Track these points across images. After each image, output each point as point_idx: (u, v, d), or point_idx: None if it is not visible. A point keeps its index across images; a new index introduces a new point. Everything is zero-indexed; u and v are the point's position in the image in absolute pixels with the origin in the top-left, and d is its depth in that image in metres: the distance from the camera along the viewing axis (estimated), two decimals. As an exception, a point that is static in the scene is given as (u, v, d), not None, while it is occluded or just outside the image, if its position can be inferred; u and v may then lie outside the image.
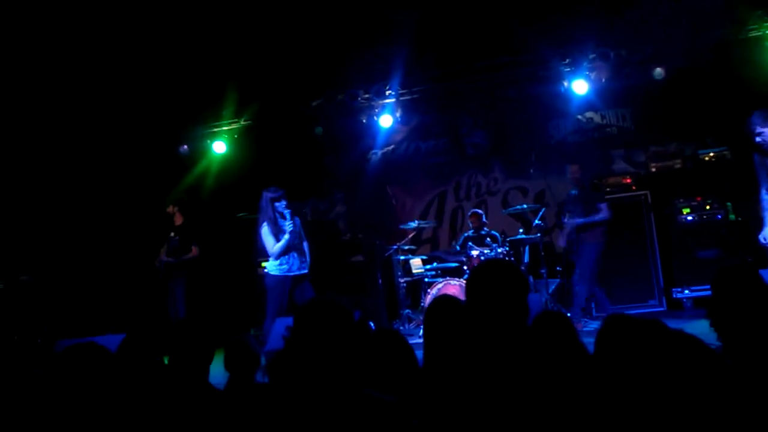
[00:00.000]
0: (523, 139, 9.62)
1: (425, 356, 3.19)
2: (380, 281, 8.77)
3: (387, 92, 8.96)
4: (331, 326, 2.08)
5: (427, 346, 3.18)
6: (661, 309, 7.40)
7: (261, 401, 2.12)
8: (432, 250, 9.70)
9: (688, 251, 7.52)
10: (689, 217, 7.59)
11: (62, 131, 8.75)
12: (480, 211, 8.62)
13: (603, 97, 9.19)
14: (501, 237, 8.22)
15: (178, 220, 7.84)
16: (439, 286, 7.52)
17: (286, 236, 6.43)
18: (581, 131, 9.69)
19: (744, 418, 1.67)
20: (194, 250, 7.74)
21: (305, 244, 6.74)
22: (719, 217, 7.50)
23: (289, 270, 6.51)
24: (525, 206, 8.23)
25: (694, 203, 7.61)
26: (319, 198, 10.53)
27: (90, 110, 8.71)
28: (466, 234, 8.45)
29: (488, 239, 8.03)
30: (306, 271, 6.65)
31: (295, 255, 6.56)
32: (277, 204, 6.53)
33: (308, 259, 6.72)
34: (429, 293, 7.49)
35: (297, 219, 6.66)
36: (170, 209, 7.88)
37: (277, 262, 6.50)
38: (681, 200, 7.65)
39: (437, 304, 3.26)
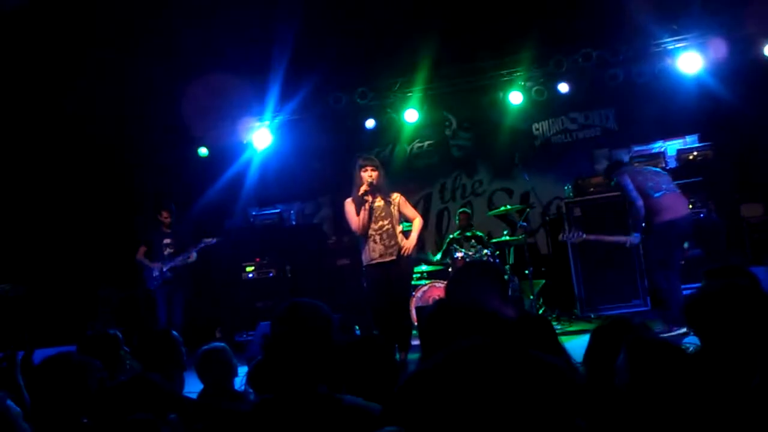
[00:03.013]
0: (508, 141, 9.63)
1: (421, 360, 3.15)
2: (366, 289, 8.72)
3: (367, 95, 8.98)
4: (309, 330, 2.02)
5: (425, 351, 3.14)
6: (646, 309, 7.41)
7: (235, 411, 2.09)
8: (418, 252, 9.69)
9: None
10: (672, 216, 7.59)
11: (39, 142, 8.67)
12: (468, 210, 8.61)
13: (586, 98, 9.23)
14: (486, 238, 8.22)
15: (166, 226, 7.67)
16: (425, 288, 7.51)
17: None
18: (565, 132, 9.72)
19: (721, 418, 1.66)
20: (193, 255, 7.56)
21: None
22: (702, 216, 7.52)
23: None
24: (509, 207, 8.23)
25: (678, 202, 7.62)
26: (304, 201, 10.50)
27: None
28: (451, 236, 8.45)
29: (473, 240, 8.02)
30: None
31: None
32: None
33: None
34: (414, 296, 7.47)
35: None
36: (165, 215, 7.67)
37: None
38: (664, 199, 7.66)
39: (437, 309, 3.22)
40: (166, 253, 7.58)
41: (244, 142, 9.58)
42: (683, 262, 6.17)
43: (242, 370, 3.72)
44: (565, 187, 8.38)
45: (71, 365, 2.61)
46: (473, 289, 2.62)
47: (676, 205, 5.86)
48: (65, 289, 8.71)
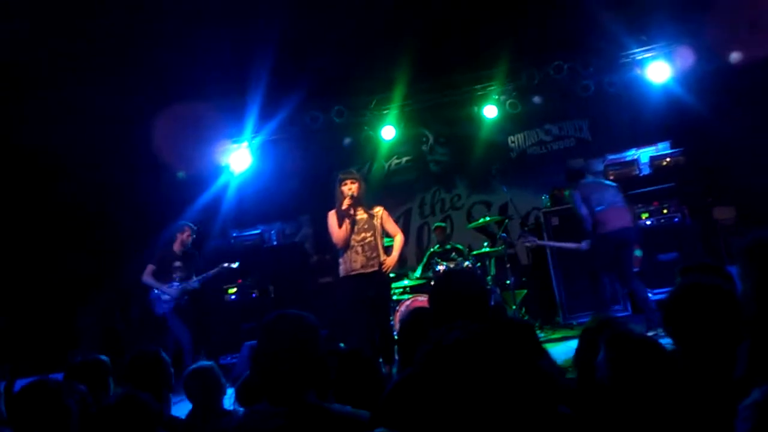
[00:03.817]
0: (484, 154, 9.75)
1: (400, 367, 3.18)
2: (343, 300, 8.73)
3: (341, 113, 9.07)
4: (295, 339, 2.05)
5: (402, 358, 3.18)
6: (627, 314, 7.50)
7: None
8: (400, 268, 9.73)
9: (648, 255, 7.66)
10: (648, 222, 7.75)
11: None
12: (444, 225, 8.68)
13: (560, 110, 9.41)
14: (466, 250, 8.29)
15: (180, 246, 7.33)
16: (407, 302, 7.54)
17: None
18: (540, 143, 9.87)
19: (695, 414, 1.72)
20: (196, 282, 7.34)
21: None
22: (676, 220, 7.67)
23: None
24: (488, 218, 8.32)
25: (652, 208, 7.78)
26: (285, 221, 10.50)
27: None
28: (431, 249, 8.50)
29: (453, 253, 8.09)
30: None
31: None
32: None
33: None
34: (398, 310, 7.50)
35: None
36: (187, 234, 7.33)
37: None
38: (639, 206, 7.80)
39: (413, 316, 3.27)
40: (175, 276, 7.22)
41: (222, 164, 9.59)
42: (637, 269, 6.73)
43: (230, 392, 3.71)
44: (543, 198, 8.50)
45: (48, 390, 2.61)
46: (455, 296, 2.67)
47: (614, 219, 6.34)
48: (45, 319, 8.60)
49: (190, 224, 7.49)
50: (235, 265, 7.52)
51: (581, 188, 6.53)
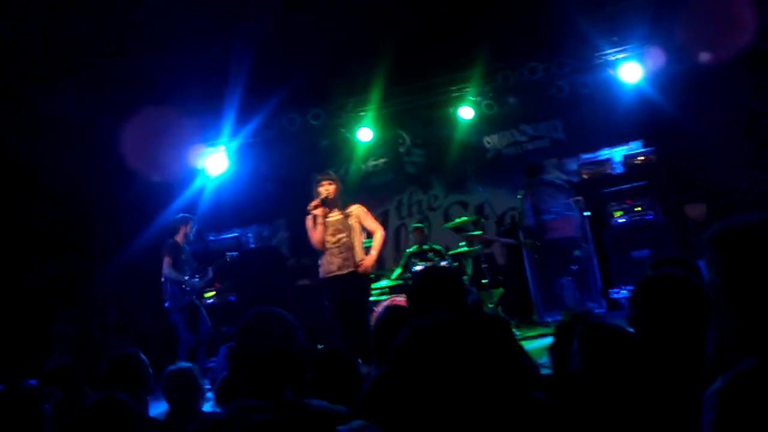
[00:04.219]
0: (460, 155, 9.82)
1: (375, 363, 3.20)
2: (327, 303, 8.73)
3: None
4: (272, 336, 2.06)
5: (377, 354, 3.20)
6: (602, 310, 7.60)
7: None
8: (378, 269, 9.75)
9: (622, 252, 7.78)
10: (621, 220, 7.86)
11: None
12: (422, 225, 8.73)
13: (535, 110, 9.50)
14: (444, 250, 8.33)
15: (183, 238, 7.20)
16: (386, 302, 7.55)
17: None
18: (516, 144, 9.95)
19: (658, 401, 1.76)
20: (210, 271, 7.33)
21: None
22: (649, 217, 7.80)
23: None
24: (465, 218, 8.38)
25: (625, 206, 7.89)
26: (261, 224, 10.48)
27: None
28: (409, 250, 8.54)
29: (431, 253, 8.13)
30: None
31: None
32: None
33: None
34: (375, 311, 7.51)
35: None
36: (188, 227, 7.22)
37: None
38: (613, 204, 7.92)
39: (388, 314, 3.30)
40: (187, 269, 7.11)
41: (198, 168, 9.53)
42: (575, 267, 7.48)
43: (209, 396, 3.70)
44: (518, 197, 8.58)
45: (22, 395, 2.60)
46: (433, 294, 2.69)
47: (557, 228, 6.92)
48: (20, 327, 8.48)
49: (193, 216, 7.37)
50: (235, 254, 7.58)
51: (533, 195, 6.95)
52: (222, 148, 9.39)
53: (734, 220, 1.60)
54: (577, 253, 7.27)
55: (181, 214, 7.42)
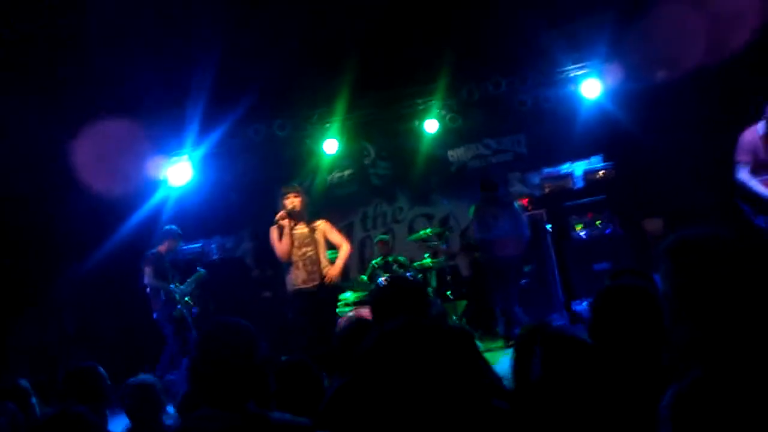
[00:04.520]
0: (425, 168, 9.89)
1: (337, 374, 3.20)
2: (291, 316, 8.69)
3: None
4: (233, 346, 2.05)
5: (339, 365, 3.20)
6: (563, 322, 7.69)
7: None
8: (343, 281, 9.73)
9: (584, 265, 7.91)
10: (582, 233, 8.01)
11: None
12: (386, 238, 8.76)
13: (498, 124, 9.64)
14: (408, 262, 8.37)
15: (167, 250, 7.25)
16: (350, 315, 7.54)
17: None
18: (480, 157, 10.07)
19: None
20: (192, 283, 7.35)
21: None
22: (608, 231, 7.96)
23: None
24: (429, 231, 8.43)
25: (586, 219, 8.04)
26: (225, 235, 10.37)
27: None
28: (374, 262, 8.55)
29: (396, 265, 8.16)
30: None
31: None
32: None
33: None
34: (340, 323, 7.49)
35: None
36: (175, 239, 7.31)
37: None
38: (574, 217, 8.07)
39: (352, 325, 3.31)
40: (171, 278, 7.12)
41: (160, 178, 9.40)
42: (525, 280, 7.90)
43: (169, 410, 3.64)
44: (470, 212, 8.65)
45: None
46: (397, 303, 2.72)
47: (496, 248, 7.12)
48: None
49: (178, 230, 7.39)
50: (203, 271, 7.63)
51: (480, 215, 7.24)
52: (185, 157, 9.29)
53: (687, 232, 1.66)
54: (526, 269, 7.73)
55: (172, 227, 7.46)
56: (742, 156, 5.69)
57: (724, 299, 1.46)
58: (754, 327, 1.45)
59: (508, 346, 6.57)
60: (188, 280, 7.42)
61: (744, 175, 5.66)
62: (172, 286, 7.07)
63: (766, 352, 1.40)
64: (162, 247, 7.21)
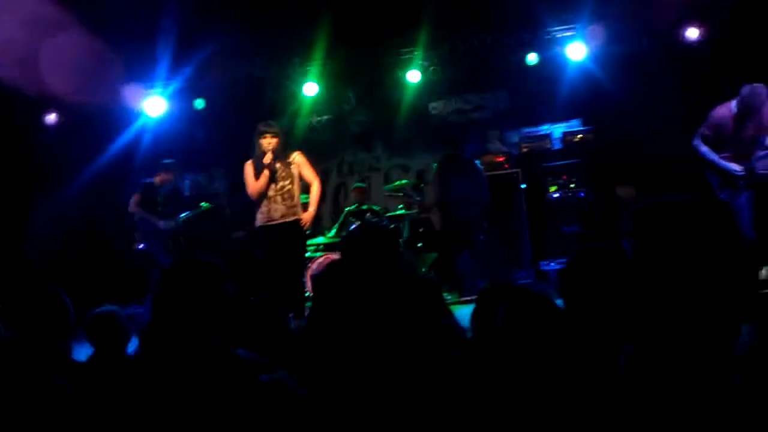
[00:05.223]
0: (405, 119, 9.82)
1: (310, 321, 3.23)
2: (259, 252, 8.69)
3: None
4: (198, 280, 2.05)
5: (314, 311, 3.22)
6: (530, 281, 7.83)
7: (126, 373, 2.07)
8: (315, 226, 9.73)
9: (554, 226, 8.02)
10: (556, 195, 8.08)
11: None
12: (363, 185, 8.75)
13: (481, 80, 9.57)
14: (382, 211, 8.39)
15: (161, 182, 7.21)
16: (320, 259, 7.60)
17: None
18: (460, 112, 10.01)
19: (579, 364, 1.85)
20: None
21: None
22: (581, 194, 8.04)
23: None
24: (405, 181, 8.44)
25: (560, 181, 8.11)
26: (197, 172, 10.27)
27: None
28: (347, 209, 8.56)
29: (369, 213, 8.18)
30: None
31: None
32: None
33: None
34: (310, 267, 7.54)
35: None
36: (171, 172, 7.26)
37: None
38: (549, 178, 8.13)
39: (329, 269, 3.32)
40: (160, 210, 7.11)
41: (135, 109, 9.21)
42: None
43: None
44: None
45: None
46: (367, 248, 2.74)
47: (455, 209, 7.20)
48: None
49: (176, 164, 7.34)
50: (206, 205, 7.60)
51: (441, 175, 7.26)
52: (159, 90, 9.09)
53: (656, 198, 1.68)
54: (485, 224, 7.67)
55: (171, 161, 7.41)
56: (705, 129, 5.90)
57: (681, 263, 1.49)
58: (704, 290, 1.49)
59: (459, 302, 6.79)
60: (187, 212, 7.37)
61: (697, 141, 5.97)
62: (156, 219, 6.98)
63: (714, 314, 1.44)
64: (157, 178, 7.17)
